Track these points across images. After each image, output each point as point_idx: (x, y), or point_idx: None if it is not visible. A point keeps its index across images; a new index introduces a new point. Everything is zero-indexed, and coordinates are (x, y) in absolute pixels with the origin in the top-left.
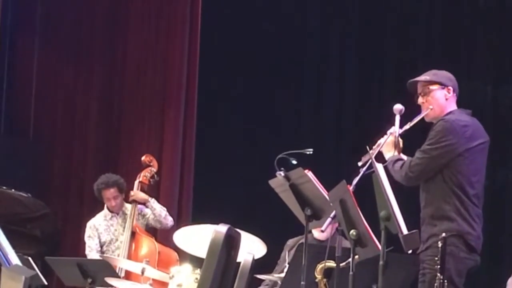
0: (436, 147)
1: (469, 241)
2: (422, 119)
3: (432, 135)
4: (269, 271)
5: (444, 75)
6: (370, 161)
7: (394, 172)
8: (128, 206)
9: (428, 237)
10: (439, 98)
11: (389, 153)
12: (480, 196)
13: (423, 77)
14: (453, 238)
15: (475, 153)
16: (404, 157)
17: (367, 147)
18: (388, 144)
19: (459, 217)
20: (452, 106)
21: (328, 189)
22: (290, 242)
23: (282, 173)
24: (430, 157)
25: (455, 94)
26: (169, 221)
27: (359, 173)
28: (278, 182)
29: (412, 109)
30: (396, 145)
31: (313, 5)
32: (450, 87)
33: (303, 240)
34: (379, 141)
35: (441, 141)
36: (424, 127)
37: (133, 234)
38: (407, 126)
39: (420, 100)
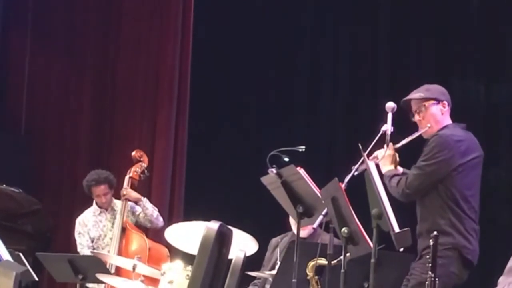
0: (431, 163)
1: (466, 255)
2: (420, 135)
3: (426, 150)
4: (261, 268)
5: (437, 89)
6: (362, 159)
7: (391, 188)
8: (117, 202)
9: (423, 248)
10: (436, 114)
11: (386, 167)
12: (476, 209)
13: (417, 95)
14: (449, 251)
15: (469, 167)
16: (400, 169)
17: (360, 145)
18: (385, 158)
19: (455, 231)
20: (447, 120)
21: (320, 186)
22: (273, 241)
23: (274, 170)
24: (425, 173)
25: (449, 108)
26: (160, 221)
27: (351, 171)
28: (270, 179)
29: (405, 108)
30: (392, 159)
31: (306, 3)
32: (445, 102)
33: (287, 238)
34: (376, 153)
35: (436, 157)
36: (420, 140)
37: (123, 230)
38: (404, 142)
39: (416, 117)
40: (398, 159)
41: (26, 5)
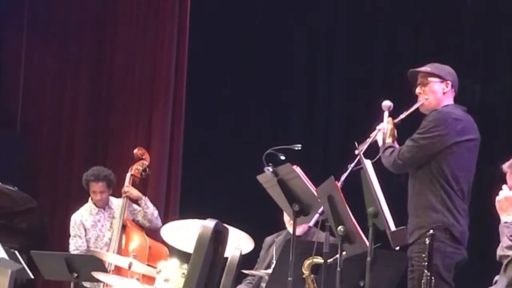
0: (425, 137)
1: (454, 233)
2: (417, 110)
3: (423, 124)
4: (255, 267)
5: (445, 69)
6: (358, 157)
7: (384, 158)
8: (113, 200)
9: (413, 229)
10: (437, 91)
11: (384, 140)
12: (466, 192)
13: (424, 68)
14: (439, 232)
15: (463, 148)
16: (397, 146)
17: (356, 144)
18: (383, 133)
19: (444, 208)
20: (449, 100)
21: (316, 185)
22: (268, 240)
23: (270, 168)
24: (419, 146)
25: (453, 90)
26: (159, 221)
27: (347, 169)
28: (266, 177)
29: (401, 106)
30: (391, 133)
31: (301, 3)
32: (449, 82)
33: (281, 237)
34: (377, 127)
35: (432, 131)
36: (420, 118)
37: (123, 227)
38: (402, 116)
39: (417, 90)
40: (396, 134)
41: (22, 3)
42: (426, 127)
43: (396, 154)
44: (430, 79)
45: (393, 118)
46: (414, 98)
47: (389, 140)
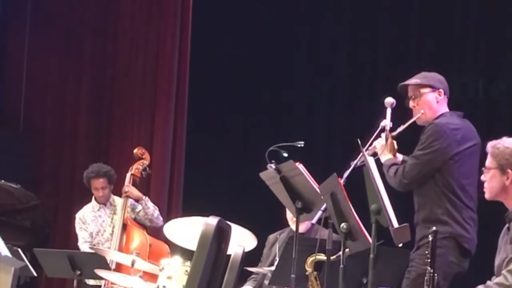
0: (427, 152)
1: (463, 244)
2: (414, 122)
3: (423, 139)
4: (259, 264)
5: (434, 77)
6: (361, 154)
7: (389, 178)
8: (116, 199)
9: (421, 237)
10: (431, 101)
11: (384, 157)
12: (474, 198)
13: (414, 81)
14: (446, 241)
15: (466, 156)
16: (400, 157)
17: (358, 141)
18: (383, 147)
19: (452, 220)
20: (444, 108)
21: (319, 182)
22: (271, 238)
23: (273, 165)
24: (422, 163)
25: (446, 97)
26: (160, 221)
27: (350, 166)
28: (269, 174)
29: (404, 103)
30: (390, 148)
31: (303, 3)
32: (441, 90)
33: (284, 235)
34: (374, 143)
35: (432, 146)
36: (418, 128)
37: (124, 226)
38: (399, 129)
39: (411, 103)
40: (396, 146)
41: (24, 1)
42: (426, 142)
43: (401, 173)
44: (422, 90)
45: (391, 131)
46: (409, 111)
47: (390, 156)
